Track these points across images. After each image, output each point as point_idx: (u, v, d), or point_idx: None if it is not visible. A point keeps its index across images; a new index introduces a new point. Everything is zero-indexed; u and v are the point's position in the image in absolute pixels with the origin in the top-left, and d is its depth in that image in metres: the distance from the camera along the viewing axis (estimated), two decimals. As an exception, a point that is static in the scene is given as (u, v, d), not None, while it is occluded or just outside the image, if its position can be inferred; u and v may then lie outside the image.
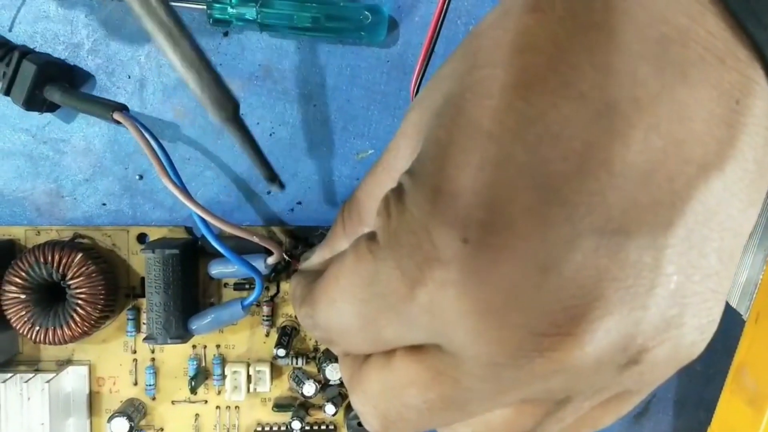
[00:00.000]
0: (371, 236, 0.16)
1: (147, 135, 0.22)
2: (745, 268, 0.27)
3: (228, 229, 0.22)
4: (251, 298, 0.25)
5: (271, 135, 0.27)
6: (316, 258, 0.22)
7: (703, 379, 0.30)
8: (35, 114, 0.26)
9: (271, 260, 0.24)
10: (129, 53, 0.26)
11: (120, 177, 0.27)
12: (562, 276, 0.14)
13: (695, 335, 0.16)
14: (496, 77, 0.15)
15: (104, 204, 0.27)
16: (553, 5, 0.15)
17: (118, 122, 0.23)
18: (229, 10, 0.26)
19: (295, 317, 0.27)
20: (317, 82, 0.27)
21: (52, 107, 0.25)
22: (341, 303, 0.17)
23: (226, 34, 0.27)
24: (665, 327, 0.15)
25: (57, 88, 0.24)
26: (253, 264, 0.24)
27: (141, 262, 0.27)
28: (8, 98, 0.24)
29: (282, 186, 0.22)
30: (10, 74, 0.24)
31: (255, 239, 0.23)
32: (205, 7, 0.26)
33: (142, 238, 0.27)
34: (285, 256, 0.25)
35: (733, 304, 0.28)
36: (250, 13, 0.26)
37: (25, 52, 0.24)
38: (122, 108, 0.24)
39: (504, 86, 0.15)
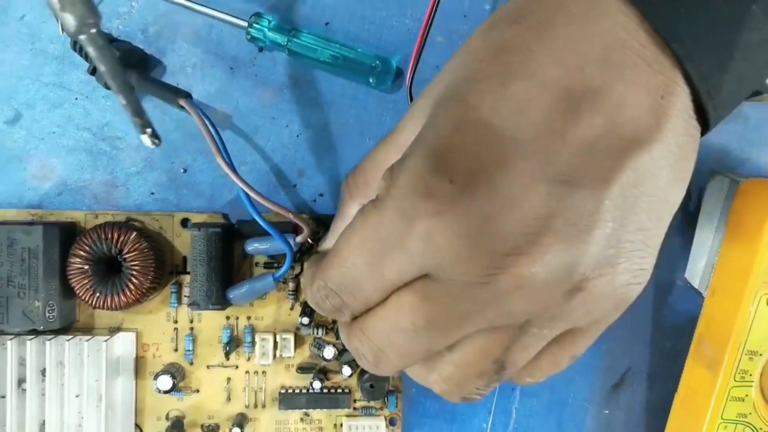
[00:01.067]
0: (374, 200, 0.21)
1: (207, 122, 0.27)
2: (705, 254, 0.32)
3: (268, 205, 0.27)
4: (282, 271, 0.29)
5: (297, 136, 0.31)
6: (329, 238, 0.26)
7: (672, 354, 0.34)
8: (96, 115, 0.31)
9: (300, 238, 0.29)
10: (178, 65, 0.31)
11: (167, 170, 0.31)
12: (522, 211, 0.19)
13: (628, 277, 0.20)
14: (482, 69, 0.20)
15: (152, 193, 0.31)
16: (526, 19, 0.20)
17: (182, 107, 0.27)
18: (266, 32, 0.30)
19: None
20: (339, 92, 0.31)
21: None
22: (352, 258, 0.21)
23: (260, 49, 0.31)
24: (603, 263, 0.20)
25: (134, 73, 0.28)
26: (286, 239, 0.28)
27: (184, 243, 0.31)
28: (92, 76, 0.29)
29: (157, 139, 0.22)
30: None
31: (290, 216, 0.27)
32: (246, 24, 0.30)
33: (185, 222, 0.31)
34: (309, 239, 0.29)
35: (695, 285, 0.32)
36: (281, 39, 0.31)
37: (111, 40, 0.29)
38: (188, 96, 0.28)
39: (488, 75, 0.20)
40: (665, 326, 0.34)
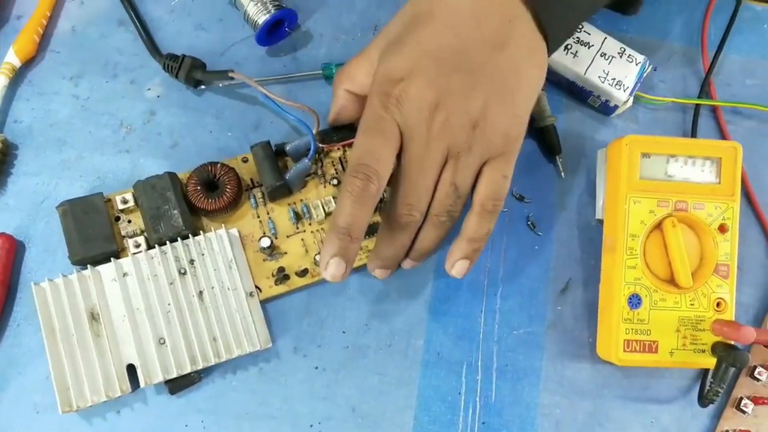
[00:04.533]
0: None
1: (254, 80, 0.48)
2: (602, 195, 0.50)
3: (286, 102, 0.47)
4: (311, 153, 0.46)
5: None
6: (331, 114, 0.47)
7: (596, 269, 0.50)
8: (179, 119, 0.51)
9: (314, 128, 0.48)
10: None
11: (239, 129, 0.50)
12: (424, 89, 0.38)
13: (508, 119, 0.39)
14: (404, 24, 0.41)
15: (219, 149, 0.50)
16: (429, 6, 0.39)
17: (232, 78, 0.49)
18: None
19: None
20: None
21: (197, 83, 0.51)
22: (359, 139, 0.39)
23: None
24: (489, 108, 0.38)
25: (200, 71, 0.50)
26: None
27: (248, 171, 0.48)
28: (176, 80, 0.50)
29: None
30: (177, 67, 0.49)
31: (304, 107, 0.48)
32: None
33: (245, 159, 0.49)
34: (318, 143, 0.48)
35: (600, 217, 0.50)
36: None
37: (183, 56, 0.50)
38: (231, 70, 0.49)
39: (404, 28, 0.40)
40: (589, 250, 0.51)
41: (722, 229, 0.47)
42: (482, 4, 0.39)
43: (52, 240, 0.48)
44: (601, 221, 0.51)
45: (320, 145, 0.49)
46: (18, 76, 0.51)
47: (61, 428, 0.45)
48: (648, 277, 0.47)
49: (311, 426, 0.46)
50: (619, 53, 0.53)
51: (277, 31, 0.53)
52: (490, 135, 0.39)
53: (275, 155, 0.48)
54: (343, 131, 0.50)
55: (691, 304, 0.47)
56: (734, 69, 0.56)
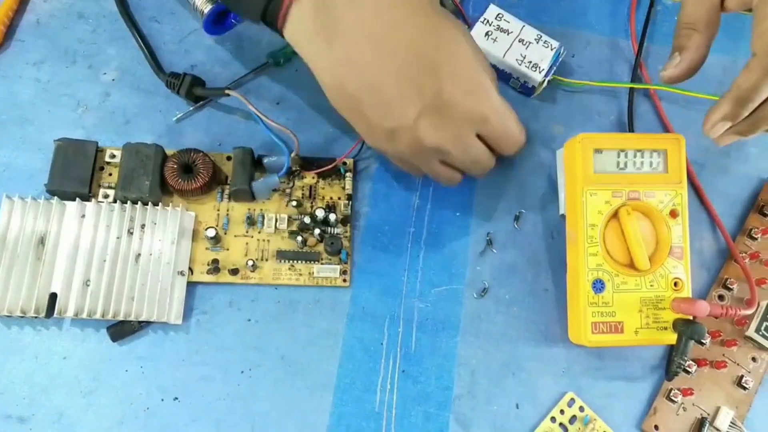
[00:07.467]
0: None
1: (246, 98, 0.52)
2: (563, 191, 0.54)
3: (272, 123, 0.51)
4: (283, 171, 0.51)
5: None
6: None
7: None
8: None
9: (294, 152, 0.52)
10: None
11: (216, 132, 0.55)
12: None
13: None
14: None
15: (219, 144, 0.55)
16: None
17: (228, 95, 0.53)
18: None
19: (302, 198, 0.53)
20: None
21: (198, 99, 0.55)
22: None
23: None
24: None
25: (199, 88, 0.54)
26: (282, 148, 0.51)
27: (227, 169, 0.53)
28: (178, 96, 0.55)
29: None
30: (179, 84, 0.54)
31: (287, 130, 0.51)
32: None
33: (228, 158, 0.54)
34: (298, 154, 0.52)
35: (564, 212, 0.54)
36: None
37: (184, 75, 0.55)
38: (228, 88, 0.54)
39: None
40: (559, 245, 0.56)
41: (673, 214, 0.51)
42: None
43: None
44: (564, 216, 0.54)
45: (296, 168, 0.53)
46: (-15, 62, 0.56)
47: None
48: (609, 263, 0.50)
49: (242, 372, 0.50)
50: (535, 39, 0.58)
51: (224, 22, 0.58)
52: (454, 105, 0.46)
53: (254, 163, 0.53)
54: (323, 163, 0.54)
55: (651, 285, 0.50)
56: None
